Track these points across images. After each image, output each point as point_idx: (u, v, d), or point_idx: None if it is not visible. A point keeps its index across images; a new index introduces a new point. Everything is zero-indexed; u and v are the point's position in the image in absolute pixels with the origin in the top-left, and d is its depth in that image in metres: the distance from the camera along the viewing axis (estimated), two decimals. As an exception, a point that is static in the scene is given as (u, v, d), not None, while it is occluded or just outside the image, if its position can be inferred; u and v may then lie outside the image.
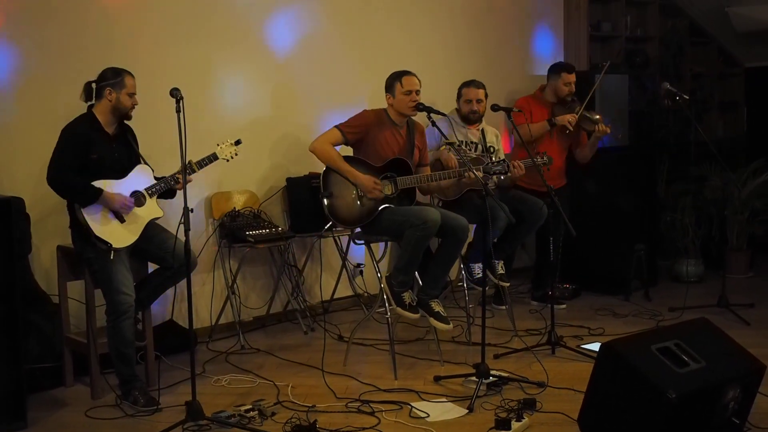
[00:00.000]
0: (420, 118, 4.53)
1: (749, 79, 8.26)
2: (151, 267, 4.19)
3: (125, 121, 3.98)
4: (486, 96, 5.12)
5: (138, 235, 3.90)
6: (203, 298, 5.01)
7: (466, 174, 4.52)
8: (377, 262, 4.53)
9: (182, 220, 3.50)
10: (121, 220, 3.85)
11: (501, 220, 4.74)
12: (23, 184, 4.26)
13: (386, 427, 3.59)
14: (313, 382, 4.19)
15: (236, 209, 4.96)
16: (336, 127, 4.47)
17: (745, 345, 3.48)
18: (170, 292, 4.49)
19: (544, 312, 5.20)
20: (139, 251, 3.98)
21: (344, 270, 5.57)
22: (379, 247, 5.35)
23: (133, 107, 3.93)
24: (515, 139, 5.52)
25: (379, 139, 4.46)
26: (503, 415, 3.58)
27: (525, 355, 4.56)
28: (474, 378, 3.97)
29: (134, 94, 3.91)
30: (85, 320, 4.04)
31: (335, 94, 5.56)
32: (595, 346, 4.10)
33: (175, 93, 3.57)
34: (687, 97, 5.55)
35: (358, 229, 4.51)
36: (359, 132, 4.45)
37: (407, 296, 4.34)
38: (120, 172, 3.90)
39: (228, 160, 4.20)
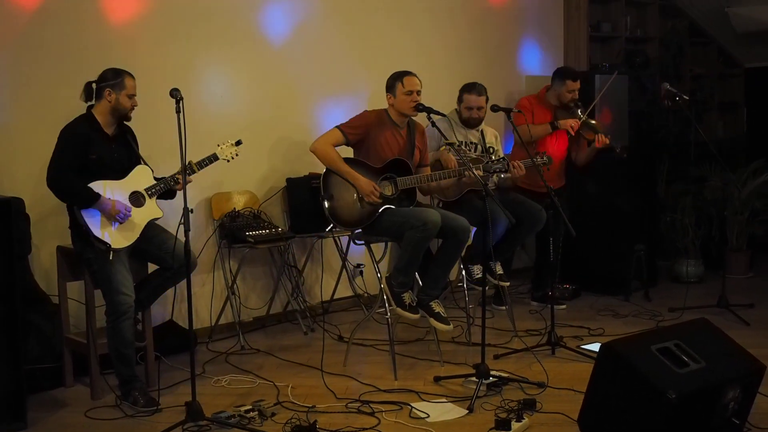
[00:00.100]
0: (420, 118, 4.53)
1: (749, 79, 8.27)
2: (151, 267, 4.18)
3: (125, 122, 3.98)
4: (487, 100, 5.11)
5: (137, 235, 3.89)
6: (203, 298, 5.01)
7: (466, 174, 4.52)
8: (377, 263, 4.53)
9: (182, 221, 3.50)
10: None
11: (501, 221, 4.74)
12: (23, 184, 4.26)
13: (386, 427, 3.59)
14: (313, 382, 4.19)
15: (236, 210, 4.96)
16: (337, 127, 4.47)
17: (744, 345, 3.48)
18: (170, 292, 4.49)
19: (544, 312, 5.20)
20: (138, 252, 3.98)
21: (344, 270, 5.57)
22: (379, 248, 5.34)
23: (133, 108, 3.93)
24: (515, 140, 5.52)
25: (380, 140, 4.46)
26: (503, 415, 3.58)
27: (525, 355, 4.56)
28: (474, 378, 3.97)
29: (134, 95, 3.91)
30: (84, 321, 4.04)
31: (335, 94, 5.56)
32: (595, 347, 4.10)
33: (174, 93, 3.57)
34: (687, 98, 5.55)
35: (359, 230, 4.51)
36: (360, 132, 4.45)
37: (407, 297, 4.34)
38: (120, 172, 3.90)
39: (228, 161, 4.20)
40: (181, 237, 3.63)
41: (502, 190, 5.18)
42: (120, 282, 3.80)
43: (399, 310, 4.33)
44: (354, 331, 4.63)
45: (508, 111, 4.66)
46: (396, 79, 4.48)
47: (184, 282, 3.73)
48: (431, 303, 4.36)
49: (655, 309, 5.57)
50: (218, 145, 4.18)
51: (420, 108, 4.39)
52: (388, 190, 4.44)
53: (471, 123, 5.11)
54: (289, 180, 5.25)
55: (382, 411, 3.75)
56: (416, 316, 4.37)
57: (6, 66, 4.25)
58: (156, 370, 4.20)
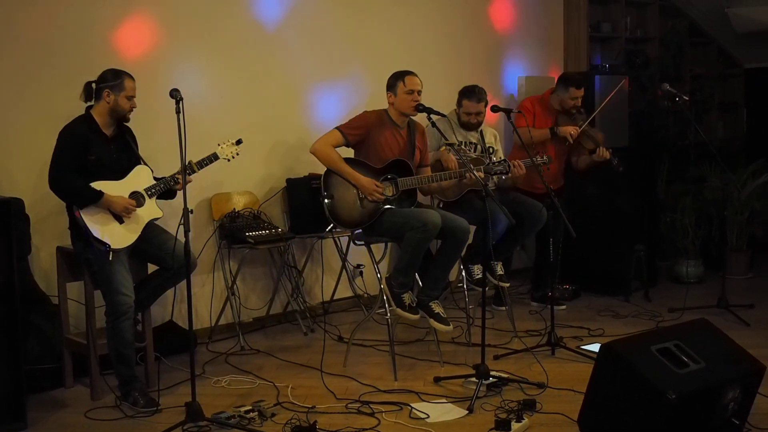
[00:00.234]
0: (420, 119, 4.53)
1: (749, 79, 8.27)
2: (151, 268, 4.18)
3: (124, 123, 3.98)
4: (486, 104, 5.10)
5: (137, 235, 3.89)
6: (203, 299, 5.01)
7: (466, 175, 4.52)
8: (377, 263, 4.53)
9: (182, 221, 3.50)
10: (120, 221, 3.85)
11: (501, 222, 4.74)
12: (23, 185, 4.26)
13: (386, 428, 3.59)
14: (312, 383, 4.19)
15: (236, 210, 4.96)
16: (337, 128, 4.47)
17: (744, 346, 3.48)
18: (170, 293, 4.49)
19: (544, 313, 5.20)
20: (138, 252, 3.98)
21: (344, 271, 5.57)
22: (379, 249, 5.34)
23: (131, 110, 3.93)
24: (514, 140, 5.52)
25: (380, 140, 4.46)
26: (503, 415, 3.59)
27: (525, 356, 4.56)
28: (474, 379, 3.97)
29: (133, 96, 3.90)
30: (84, 321, 4.04)
31: (335, 95, 5.56)
32: (595, 347, 4.11)
33: (174, 94, 3.57)
34: (687, 98, 5.55)
35: (359, 230, 4.51)
36: (360, 133, 4.46)
37: (407, 297, 4.34)
38: (119, 173, 3.90)
39: (229, 160, 4.20)
40: (181, 237, 3.63)
41: (502, 190, 5.18)
42: (120, 282, 3.80)
43: (399, 310, 4.33)
44: (354, 331, 4.63)
45: (508, 112, 4.66)
46: (397, 78, 4.48)
47: (184, 282, 3.73)
48: (431, 303, 4.36)
49: (655, 309, 5.57)
50: (219, 145, 4.18)
51: (420, 108, 4.39)
52: (389, 191, 4.44)
53: (469, 127, 5.11)
54: (289, 180, 5.25)
55: (382, 411, 3.75)
56: (416, 317, 4.37)
57: (6, 66, 4.25)
58: (156, 370, 4.20)
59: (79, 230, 3.82)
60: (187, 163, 3.79)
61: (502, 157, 4.99)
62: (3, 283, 3.55)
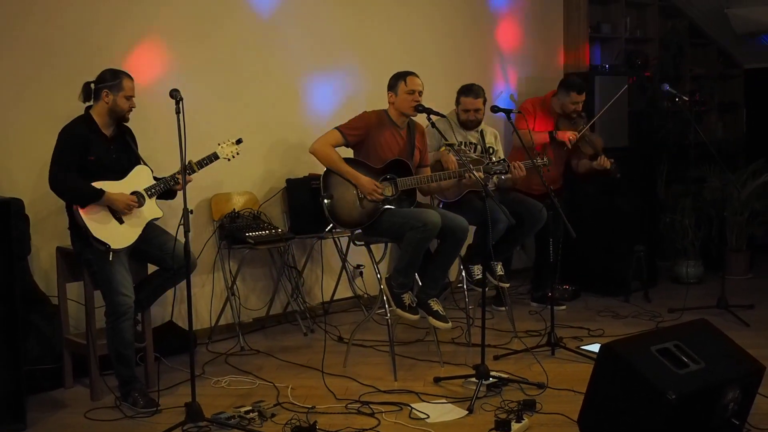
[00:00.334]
0: (420, 119, 4.53)
1: (749, 80, 8.27)
2: (151, 268, 4.18)
3: (124, 123, 3.98)
4: (484, 102, 5.11)
5: (137, 236, 3.89)
6: (203, 299, 5.01)
7: (466, 175, 4.52)
8: (377, 264, 4.53)
9: (182, 222, 3.50)
10: (120, 221, 3.85)
11: (501, 222, 4.74)
12: (22, 185, 4.26)
13: (386, 428, 3.59)
14: (312, 383, 4.19)
15: (236, 210, 4.96)
16: (336, 128, 4.47)
17: (744, 346, 3.49)
18: (170, 293, 4.49)
19: (544, 313, 5.20)
20: (138, 252, 3.98)
21: (344, 271, 5.57)
22: (379, 249, 5.35)
23: (131, 110, 3.93)
24: (514, 142, 5.52)
25: (380, 141, 4.46)
26: (503, 416, 3.59)
27: (525, 356, 4.56)
28: (474, 379, 3.97)
29: (132, 96, 3.90)
30: (84, 321, 4.04)
31: (335, 95, 5.56)
32: (595, 347, 4.11)
33: (174, 94, 3.57)
34: (686, 99, 5.55)
35: (358, 231, 4.51)
36: (360, 134, 4.46)
37: (407, 297, 4.34)
38: (119, 173, 3.90)
39: (229, 160, 4.20)
40: (181, 238, 3.63)
41: (502, 190, 5.18)
42: (120, 283, 3.80)
43: (399, 310, 4.33)
44: (354, 331, 4.63)
45: (508, 112, 4.65)
46: (399, 78, 4.49)
47: (183, 283, 3.73)
48: (429, 301, 4.36)
49: (654, 310, 5.57)
50: (219, 144, 4.18)
51: (420, 108, 4.40)
52: (389, 191, 4.44)
53: (469, 125, 5.11)
54: (288, 181, 5.25)
55: (382, 412, 3.75)
56: (416, 317, 4.37)
57: (6, 66, 4.25)
58: (156, 371, 4.20)
59: (79, 230, 3.82)
60: (186, 163, 3.79)
61: (503, 158, 4.99)
62: (3, 284, 3.55)
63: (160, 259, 4.00)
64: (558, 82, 5.71)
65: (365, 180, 4.37)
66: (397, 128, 4.54)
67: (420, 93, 4.45)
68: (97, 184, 3.78)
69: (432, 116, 4.34)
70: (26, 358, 3.88)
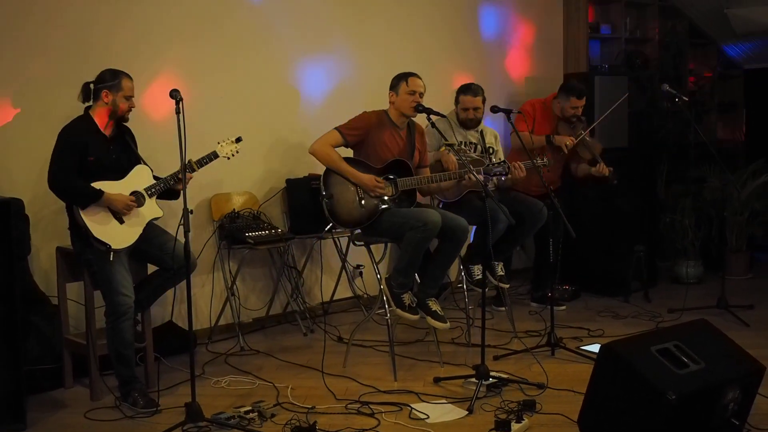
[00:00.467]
0: (420, 120, 4.53)
1: (748, 80, 8.27)
2: (151, 268, 4.18)
3: (123, 123, 3.98)
4: (484, 101, 5.11)
5: (137, 236, 3.89)
6: (203, 299, 5.01)
7: (466, 175, 4.52)
8: (377, 264, 4.53)
9: (182, 222, 3.50)
10: (120, 221, 3.84)
11: (501, 221, 4.74)
12: (22, 185, 4.26)
13: (386, 428, 3.58)
14: (312, 383, 4.19)
15: (236, 210, 4.96)
16: (336, 129, 4.47)
17: (744, 346, 3.49)
18: (170, 293, 4.49)
19: (544, 313, 5.20)
20: (138, 252, 3.98)
21: (344, 271, 5.57)
22: (378, 249, 5.34)
23: (130, 110, 3.93)
24: (512, 142, 5.51)
25: (380, 141, 4.46)
26: (503, 416, 3.59)
27: (525, 356, 4.56)
28: (474, 379, 3.97)
29: (131, 97, 3.90)
30: (84, 321, 4.04)
31: (334, 95, 5.57)
32: (595, 348, 4.11)
33: (174, 94, 3.57)
34: (686, 99, 5.55)
35: (358, 231, 4.51)
36: (360, 134, 4.46)
37: (407, 297, 4.34)
38: (119, 173, 3.90)
39: (229, 158, 4.20)
40: (181, 238, 3.63)
41: (502, 190, 5.18)
42: (120, 283, 3.80)
43: (399, 311, 4.33)
44: (354, 332, 4.63)
45: (507, 112, 4.65)
46: (401, 79, 4.49)
47: (183, 283, 3.73)
48: (428, 301, 4.36)
49: (654, 310, 5.57)
50: (218, 143, 4.18)
51: (420, 108, 4.40)
52: (389, 191, 4.44)
53: (468, 124, 5.11)
54: (288, 181, 5.25)
55: (382, 412, 3.74)
56: (416, 317, 4.37)
57: (6, 66, 4.25)
58: (155, 371, 4.20)
59: (79, 230, 3.82)
60: (186, 162, 3.79)
61: (502, 158, 4.99)
62: (3, 284, 3.55)
63: (160, 259, 4.00)
64: (558, 82, 5.71)
65: (366, 177, 4.37)
66: (397, 128, 4.54)
67: (421, 94, 4.46)
68: (96, 185, 3.78)
69: (432, 116, 4.34)
70: (26, 358, 3.88)
